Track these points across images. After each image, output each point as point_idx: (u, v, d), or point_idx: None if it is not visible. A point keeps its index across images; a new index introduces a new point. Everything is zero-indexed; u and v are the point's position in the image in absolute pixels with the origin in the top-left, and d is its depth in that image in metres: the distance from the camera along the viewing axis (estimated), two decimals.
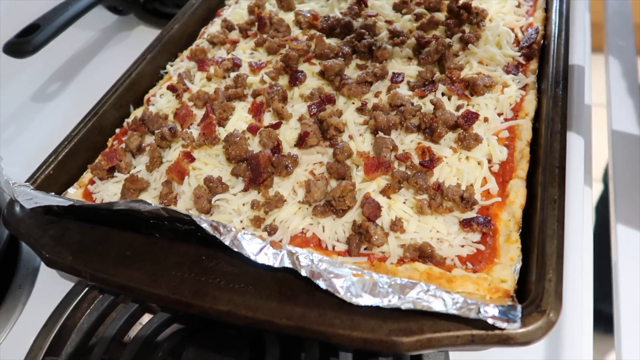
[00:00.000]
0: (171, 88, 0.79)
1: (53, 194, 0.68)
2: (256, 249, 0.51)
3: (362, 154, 0.63)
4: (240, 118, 0.73)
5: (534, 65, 0.73)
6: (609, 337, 0.59)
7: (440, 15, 0.82)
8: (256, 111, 0.72)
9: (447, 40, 0.75)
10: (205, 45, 0.88)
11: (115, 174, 0.71)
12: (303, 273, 0.49)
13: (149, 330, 0.59)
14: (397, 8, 0.85)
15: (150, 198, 0.67)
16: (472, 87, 0.69)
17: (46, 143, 0.83)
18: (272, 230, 0.59)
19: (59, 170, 0.73)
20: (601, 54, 1.04)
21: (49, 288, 0.68)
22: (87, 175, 0.73)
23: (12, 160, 0.90)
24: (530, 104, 0.67)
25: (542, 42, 0.76)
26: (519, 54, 0.74)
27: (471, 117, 0.64)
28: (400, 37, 0.78)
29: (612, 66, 0.94)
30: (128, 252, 0.58)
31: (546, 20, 0.79)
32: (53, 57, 1.06)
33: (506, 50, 0.75)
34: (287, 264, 0.50)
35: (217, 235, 0.52)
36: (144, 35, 1.13)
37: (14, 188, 0.63)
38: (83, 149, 0.76)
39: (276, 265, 0.50)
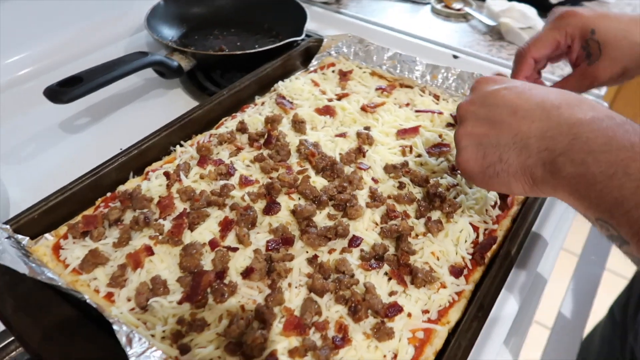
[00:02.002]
0: (166, 175, 0.88)
1: (27, 239, 0.78)
2: None
3: (287, 309, 0.69)
4: (209, 228, 0.81)
5: (478, 274, 0.79)
6: None
7: (419, 193, 0.89)
8: (224, 227, 0.80)
9: (411, 223, 0.82)
10: (214, 141, 0.97)
11: (86, 239, 0.80)
12: None
13: None
14: (386, 170, 0.93)
15: (104, 274, 0.75)
16: (413, 276, 0.75)
17: (57, 171, 0.93)
18: (184, 350, 0.66)
19: (44, 216, 0.82)
20: None
21: None
22: (64, 228, 0.82)
23: (20, 179, 1.01)
24: (455, 313, 0.73)
25: (497, 253, 0.82)
26: (470, 257, 0.80)
27: (395, 311, 0.70)
28: (375, 202, 0.86)
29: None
30: (57, 326, 0.65)
31: (509, 232, 0.85)
32: (92, 94, 1.16)
33: (460, 250, 0.81)
34: None
35: (127, 350, 0.59)
36: (178, 99, 1.25)
37: None
38: (73, 201, 0.85)
39: None
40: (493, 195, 0.90)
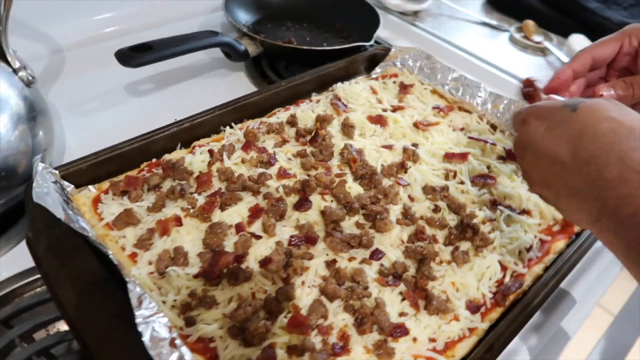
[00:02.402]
0: (210, 152, 0.91)
1: (72, 187, 0.83)
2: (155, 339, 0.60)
3: (295, 306, 0.70)
4: (239, 211, 0.82)
5: (495, 314, 0.76)
6: None
7: (453, 220, 0.87)
8: (253, 213, 0.82)
9: (437, 248, 0.81)
10: (263, 128, 0.99)
11: (124, 198, 0.83)
12: None
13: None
14: (425, 190, 0.91)
15: (133, 234, 0.78)
16: (428, 302, 0.74)
17: (114, 130, 0.98)
18: (189, 322, 0.68)
19: (91, 169, 0.86)
20: None
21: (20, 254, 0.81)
22: (107, 184, 0.86)
23: (80, 130, 1.07)
24: (462, 349, 0.71)
25: (520, 298, 0.79)
26: (491, 296, 0.78)
27: (401, 332, 0.69)
28: (407, 220, 0.85)
29: None
30: (80, 274, 0.69)
31: (538, 279, 0.82)
32: (160, 63, 1.19)
33: (483, 286, 0.78)
34: None
35: (136, 310, 0.61)
36: (240, 82, 1.28)
37: (41, 174, 0.76)
38: (120, 160, 0.89)
39: None
40: (529, 239, 0.87)
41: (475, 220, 0.85)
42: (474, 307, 0.76)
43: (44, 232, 0.73)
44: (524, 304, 0.75)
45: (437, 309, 0.73)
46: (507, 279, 0.81)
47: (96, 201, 0.83)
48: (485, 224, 0.87)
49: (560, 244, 0.88)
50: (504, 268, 0.82)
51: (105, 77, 1.18)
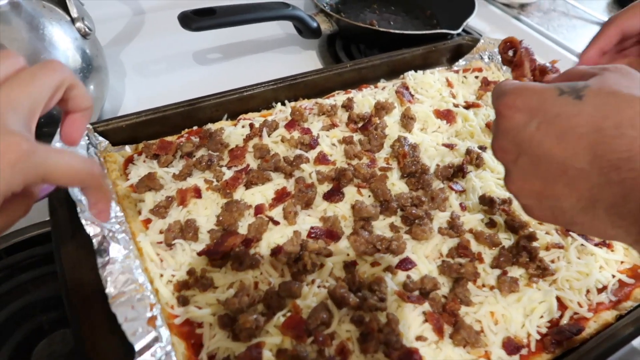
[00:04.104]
0: (251, 126, 0.86)
1: (108, 143, 0.81)
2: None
3: (296, 306, 0.62)
4: (264, 192, 0.76)
5: None
6: None
7: (509, 239, 0.73)
8: (278, 197, 0.75)
9: (481, 269, 0.68)
10: (315, 109, 0.91)
11: (155, 161, 0.80)
12: None
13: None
14: (482, 200, 0.78)
15: (152, 200, 0.75)
16: (455, 330, 0.62)
17: (174, 94, 0.95)
18: (182, 301, 0.63)
19: (132, 128, 0.85)
20: None
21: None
22: (142, 145, 0.84)
23: (141, 90, 1.07)
24: None
25: (577, 347, 0.64)
26: (539, 337, 0.64)
27: (407, 357, 0.58)
28: (451, 230, 0.73)
29: None
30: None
31: (606, 329, 0.66)
32: (232, 32, 1.15)
33: (530, 324, 0.64)
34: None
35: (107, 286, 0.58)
36: (309, 61, 1.21)
37: None
38: (163, 123, 0.87)
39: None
40: (604, 278, 0.71)
41: (535, 244, 0.71)
42: (512, 347, 0.62)
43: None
44: (578, 355, 0.61)
45: (464, 340, 0.61)
46: (564, 320, 0.66)
47: (128, 161, 0.81)
48: (549, 251, 0.73)
49: None
50: (563, 307, 0.68)
51: (177, 41, 1.18)
